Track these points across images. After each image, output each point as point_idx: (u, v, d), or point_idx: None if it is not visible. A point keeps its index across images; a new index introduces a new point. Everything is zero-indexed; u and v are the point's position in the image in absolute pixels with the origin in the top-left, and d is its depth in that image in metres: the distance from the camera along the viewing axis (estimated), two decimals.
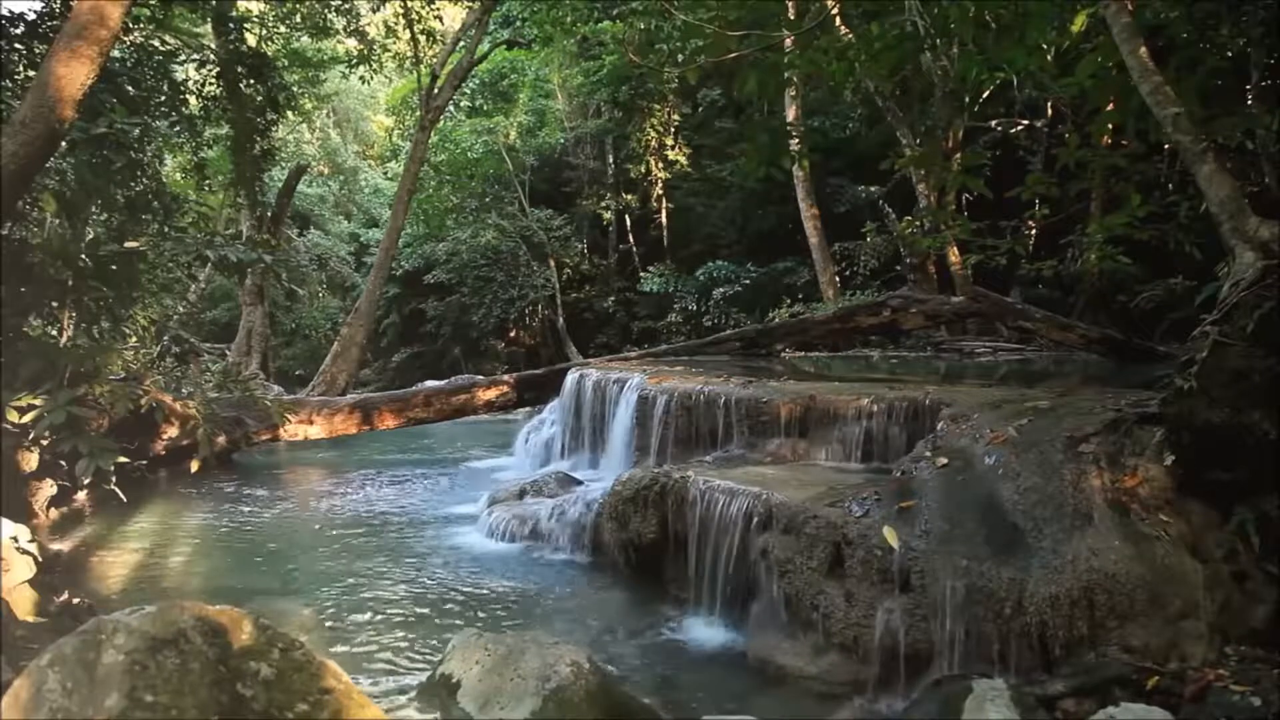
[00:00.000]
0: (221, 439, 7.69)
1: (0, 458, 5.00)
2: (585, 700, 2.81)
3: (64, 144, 5.64)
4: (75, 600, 3.87)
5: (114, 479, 5.49)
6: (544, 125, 19.44)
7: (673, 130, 17.68)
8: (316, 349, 20.12)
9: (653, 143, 17.55)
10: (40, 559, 4.11)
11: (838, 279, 14.01)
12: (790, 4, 7.92)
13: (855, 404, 5.04)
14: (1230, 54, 6.54)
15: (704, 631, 4.02)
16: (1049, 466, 3.46)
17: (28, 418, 5.12)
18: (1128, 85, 4.23)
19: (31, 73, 6.80)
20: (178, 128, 11.24)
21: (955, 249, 11.40)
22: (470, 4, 15.53)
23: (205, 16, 13.14)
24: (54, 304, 5.98)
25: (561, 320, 18.36)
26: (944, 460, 3.85)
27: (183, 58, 12.78)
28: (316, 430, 8.58)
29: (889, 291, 10.82)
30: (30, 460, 5.25)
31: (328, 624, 4.04)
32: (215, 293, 21.58)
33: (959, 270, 11.65)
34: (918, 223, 11.99)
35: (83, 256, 5.76)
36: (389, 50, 16.49)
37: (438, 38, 15.37)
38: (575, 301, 18.89)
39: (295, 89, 15.44)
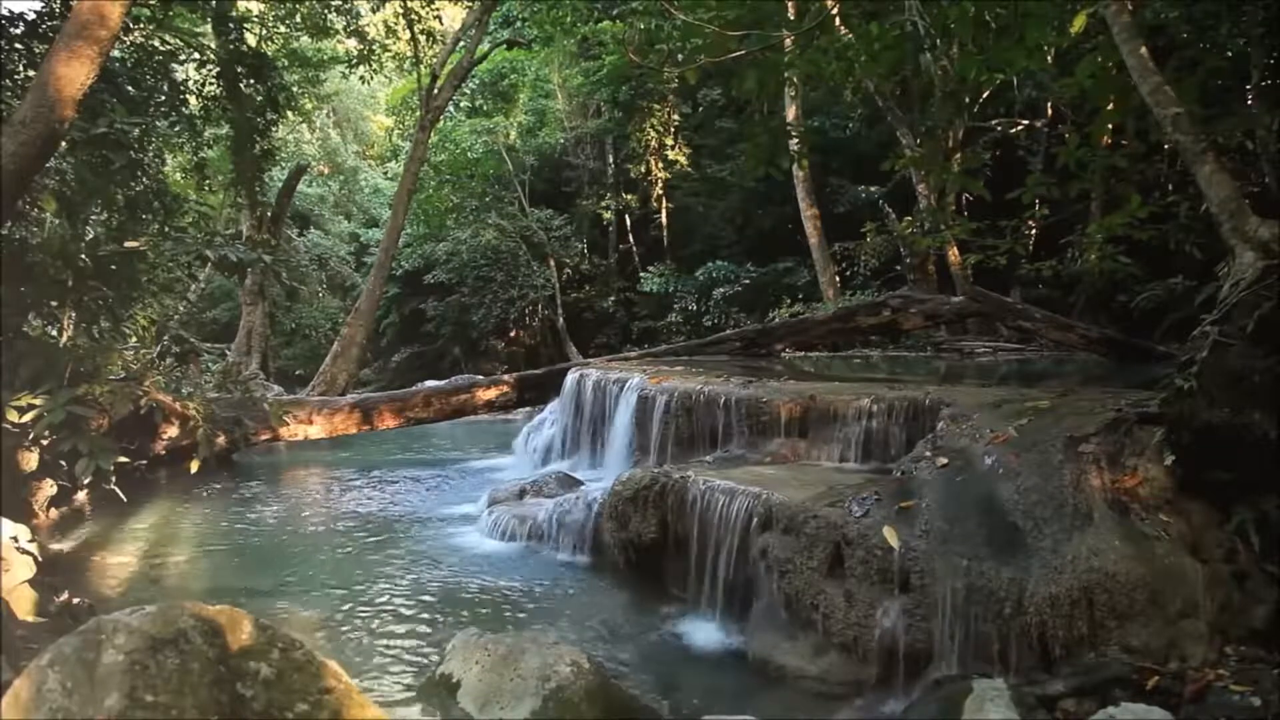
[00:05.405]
0: (221, 439, 7.68)
1: (0, 458, 5.00)
2: (585, 700, 2.81)
3: (64, 144, 5.64)
4: (75, 600, 3.86)
5: (114, 479, 5.49)
6: (544, 125, 19.44)
7: (673, 130, 17.67)
8: (316, 349, 20.10)
9: (653, 143, 17.54)
10: (40, 559, 4.11)
11: (838, 279, 14.01)
12: (790, 4, 7.91)
13: (855, 404, 5.04)
14: (1230, 54, 6.55)
15: (704, 631, 4.02)
16: (1049, 466, 3.46)
17: (28, 418, 5.12)
18: (1128, 85, 4.24)
19: (31, 73, 6.79)
20: (178, 128, 11.27)
21: (955, 249, 11.40)
22: (470, 4, 15.53)
23: (205, 16, 13.14)
24: (54, 304, 5.98)
25: (561, 320, 18.35)
26: (944, 460, 3.85)
27: (183, 58, 12.80)
28: (316, 430, 8.58)
29: (889, 291, 10.82)
30: (30, 460, 5.25)
31: (328, 624, 4.04)
32: (215, 293, 21.59)
33: (959, 270, 11.64)
34: (918, 223, 12.00)
35: (83, 256, 5.76)
36: (389, 50, 16.49)
37: (438, 38, 15.36)
38: (575, 301, 18.89)
39: (295, 89, 15.46)
